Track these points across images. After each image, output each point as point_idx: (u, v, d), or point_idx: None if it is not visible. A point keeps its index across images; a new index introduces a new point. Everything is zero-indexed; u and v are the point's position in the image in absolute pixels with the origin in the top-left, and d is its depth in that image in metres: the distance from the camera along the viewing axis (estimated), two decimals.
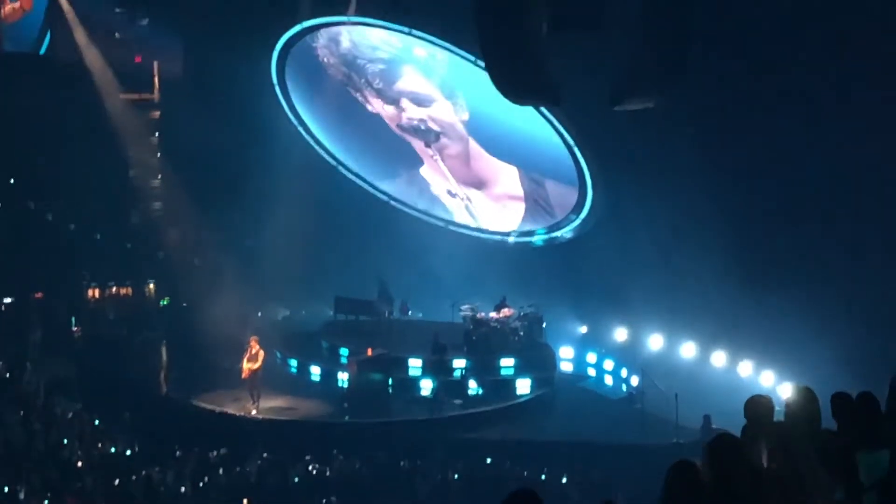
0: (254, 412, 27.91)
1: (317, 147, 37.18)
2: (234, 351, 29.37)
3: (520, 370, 30.54)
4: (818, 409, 8.60)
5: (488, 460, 25.39)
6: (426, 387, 29.44)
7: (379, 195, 37.66)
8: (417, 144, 35.95)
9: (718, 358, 30.11)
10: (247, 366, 27.83)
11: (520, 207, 35.53)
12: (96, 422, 26.33)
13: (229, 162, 33.80)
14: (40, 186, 34.08)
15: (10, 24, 34.09)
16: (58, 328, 32.40)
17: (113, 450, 24.61)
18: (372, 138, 36.54)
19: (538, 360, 31.06)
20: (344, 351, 31.53)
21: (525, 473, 24.10)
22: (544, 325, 32.15)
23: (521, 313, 31.67)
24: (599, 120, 27.85)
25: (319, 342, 33.16)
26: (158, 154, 36.66)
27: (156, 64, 35.58)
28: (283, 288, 35.30)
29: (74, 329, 33.32)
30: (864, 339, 23.86)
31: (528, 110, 30.38)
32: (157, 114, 36.45)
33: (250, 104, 34.68)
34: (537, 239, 35.47)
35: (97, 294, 35.75)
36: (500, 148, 34.35)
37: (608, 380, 32.27)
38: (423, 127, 35.24)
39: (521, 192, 35.22)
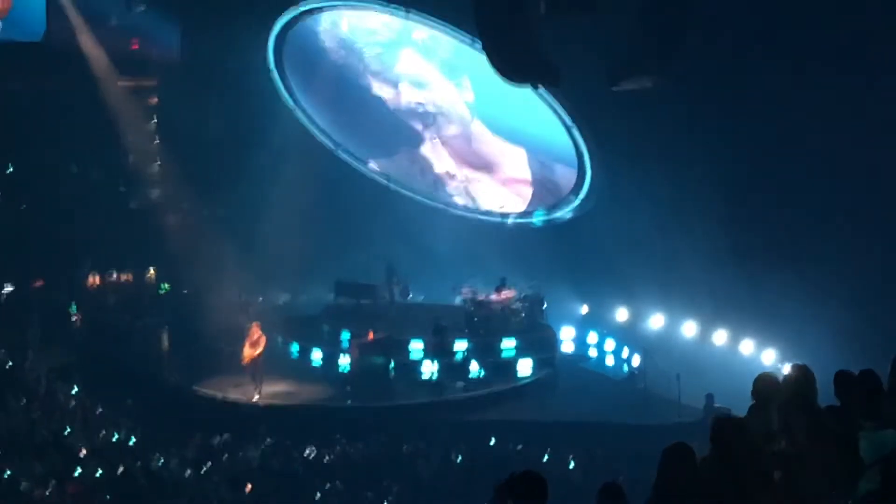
0: (256, 397, 27.91)
1: (315, 130, 37.13)
2: (236, 336, 29.38)
3: (521, 351, 30.52)
4: (815, 387, 8.62)
5: (491, 442, 25.40)
6: (428, 369, 29.43)
7: (378, 178, 37.62)
8: (417, 126, 35.92)
9: (720, 337, 30.10)
10: (248, 351, 27.85)
11: (527, 191, 35.50)
12: (98, 409, 26.34)
13: (227, 147, 33.79)
14: (39, 174, 34.03)
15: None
16: (58, 316, 32.38)
17: (115, 437, 24.63)
18: (372, 120, 36.52)
19: (539, 341, 31.06)
20: (345, 335, 31.50)
21: (527, 454, 24.11)
22: (545, 305, 32.13)
23: (522, 295, 31.66)
24: (598, 100, 27.82)
25: (320, 326, 33.15)
26: (156, 140, 36.62)
27: (153, 50, 35.51)
28: (283, 272, 35.26)
29: (75, 316, 33.28)
30: (866, 317, 23.84)
31: (534, 93, 30.39)
32: (154, 100, 36.41)
33: (248, 89, 34.64)
34: (537, 219, 35.43)
35: (97, 281, 35.74)
36: (508, 130, 34.30)
37: (609, 360, 32.24)
38: (420, 109, 35.23)
39: (528, 176, 35.19)
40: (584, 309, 34.07)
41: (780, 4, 24.19)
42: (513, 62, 21.57)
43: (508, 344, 30.57)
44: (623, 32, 22.05)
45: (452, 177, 36.45)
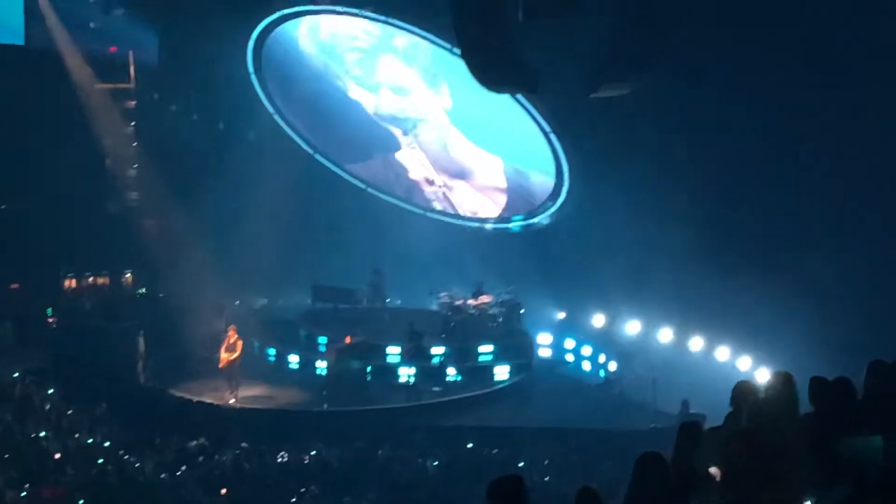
0: (232, 401, 27.91)
1: (293, 134, 37.11)
2: (212, 340, 29.37)
3: (498, 356, 30.60)
4: (796, 394, 8.68)
5: (467, 447, 25.43)
6: (405, 374, 29.48)
7: (356, 182, 37.62)
8: (396, 132, 35.94)
9: (696, 343, 30.19)
10: (225, 355, 27.88)
11: (502, 198, 35.54)
12: (74, 412, 26.28)
13: (205, 151, 33.77)
14: (16, 177, 33.91)
15: None
16: (34, 319, 32.32)
17: (90, 440, 24.58)
18: (351, 125, 36.50)
19: (516, 347, 31.13)
20: (322, 339, 31.53)
21: (504, 459, 24.15)
22: (522, 311, 32.18)
23: (499, 300, 31.72)
24: (575, 106, 27.91)
25: (297, 330, 33.15)
26: (134, 143, 36.55)
27: (131, 53, 35.47)
28: (260, 276, 35.23)
29: (51, 319, 33.24)
30: (841, 325, 23.95)
31: (511, 100, 30.49)
32: (132, 103, 36.34)
33: (226, 93, 34.64)
34: (514, 225, 35.50)
35: (74, 284, 35.68)
36: (484, 137, 34.35)
37: (586, 365, 32.30)
38: (400, 115, 35.26)
39: (504, 184, 35.23)
40: (561, 315, 34.11)
41: (755, 9, 24.29)
42: (491, 69, 21.64)
43: (485, 349, 30.64)
44: (600, 39, 22.12)
45: (431, 182, 36.47)
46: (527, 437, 25.94)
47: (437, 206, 36.98)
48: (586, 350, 32.36)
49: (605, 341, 31.97)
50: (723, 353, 29.45)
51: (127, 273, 36.81)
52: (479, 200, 36.03)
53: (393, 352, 30.29)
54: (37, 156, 33.49)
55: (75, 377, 28.60)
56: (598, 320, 32.66)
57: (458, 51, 27.09)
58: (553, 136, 31.79)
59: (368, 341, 29.83)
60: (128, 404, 27.31)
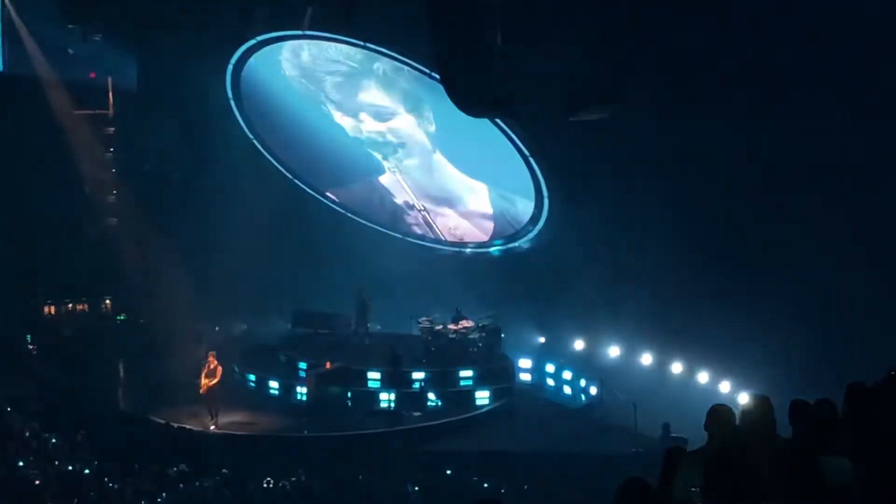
0: (212, 427, 27.86)
1: (272, 160, 37.10)
2: (192, 366, 29.30)
3: (479, 381, 30.62)
4: (773, 416, 8.70)
5: (448, 472, 25.40)
6: (385, 399, 29.47)
7: (336, 208, 37.62)
8: (377, 157, 35.95)
9: (676, 367, 30.23)
10: (205, 381, 27.84)
11: (487, 224, 35.56)
12: (53, 439, 26.15)
13: (184, 176, 33.73)
14: None
15: None
16: (13, 346, 32.19)
17: (70, 467, 24.45)
18: (332, 150, 36.51)
19: (497, 372, 31.17)
20: (302, 364, 31.51)
21: (485, 485, 24.11)
22: (502, 336, 32.21)
23: (480, 325, 31.74)
24: (555, 131, 27.96)
25: (278, 356, 33.09)
26: (113, 169, 36.49)
27: (109, 79, 35.44)
28: (240, 302, 35.19)
29: (30, 346, 33.13)
30: (820, 348, 24.03)
31: (493, 125, 30.58)
32: (111, 129, 36.30)
33: (205, 119, 34.59)
34: (494, 249, 35.53)
35: (53, 311, 35.57)
36: (468, 162, 34.38)
37: (567, 390, 32.34)
38: (381, 139, 35.28)
39: (490, 210, 35.26)
40: (542, 339, 34.12)
41: (736, 31, 24.39)
42: (470, 94, 21.64)
43: (466, 374, 30.64)
44: (578, 63, 22.18)
45: (411, 207, 36.49)
46: (508, 462, 25.93)
47: (418, 230, 36.98)
48: (567, 374, 32.38)
49: (586, 366, 32.00)
50: (703, 377, 29.49)
51: (106, 299, 36.73)
52: (464, 226, 36.01)
53: (373, 377, 30.28)
54: (15, 182, 33.39)
55: (55, 404, 28.49)
56: (579, 345, 32.67)
57: (436, 75, 27.16)
58: (532, 160, 31.82)
59: (349, 367, 29.80)
60: (108, 431, 27.17)
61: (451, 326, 31.64)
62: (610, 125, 24.66)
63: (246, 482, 23.85)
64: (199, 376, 28.14)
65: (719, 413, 8.98)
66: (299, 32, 32.70)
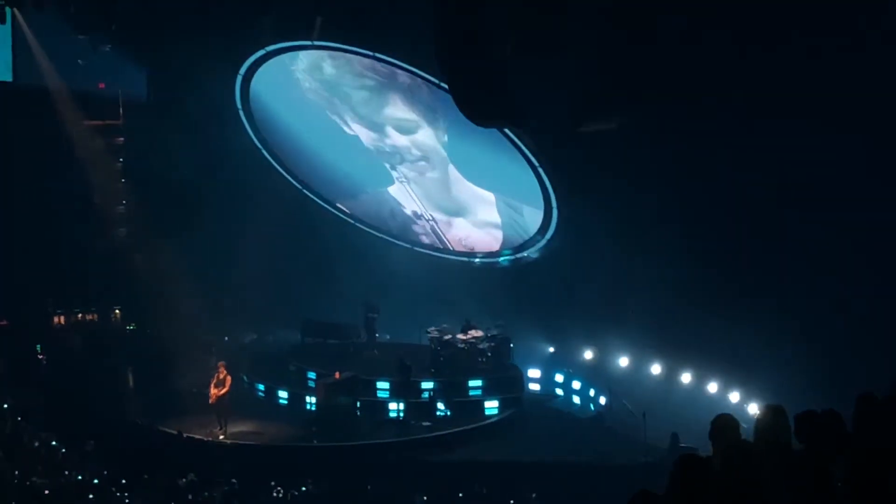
0: (221, 437, 27.86)
1: (281, 170, 37.16)
2: (202, 376, 29.32)
3: (487, 391, 30.61)
4: (789, 427, 8.66)
5: (456, 482, 25.37)
6: (394, 409, 29.47)
7: (345, 218, 37.66)
8: (389, 167, 35.93)
9: (686, 377, 30.20)
10: (214, 391, 27.83)
11: (498, 235, 35.56)
12: (63, 449, 26.19)
13: (194, 186, 33.73)
14: (3, 213, 33.89)
15: None
16: (23, 356, 32.24)
17: (80, 477, 24.49)
18: (341, 160, 36.54)
19: (506, 381, 31.15)
20: (311, 374, 31.51)
21: (493, 495, 24.11)
22: (512, 345, 32.21)
23: (489, 334, 31.74)
24: (564, 140, 27.94)
25: (287, 366, 33.08)
26: (123, 180, 36.57)
27: (120, 90, 35.53)
28: (249, 312, 35.22)
29: (40, 356, 33.17)
30: (829, 358, 23.98)
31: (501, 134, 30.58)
32: (121, 140, 36.38)
33: (215, 128, 34.65)
34: (503, 259, 35.53)
35: (63, 321, 35.62)
36: (478, 174, 34.39)
37: (576, 399, 32.34)
38: (389, 150, 35.28)
39: (498, 220, 35.25)
40: (551, 349, 34.12)
41: (748, 41, 24.36)
42: (478, 104, 21.64)
43: (475, 383, 30.64)
44: (588, 74, 22.16)
45: (420, 217, 36.51)
46: (516, 472, 25.94)
47: (426, 240, 36.99)
48: (576, 384, 32.38)
49: (595, 375, 31.99)
50: (712, 387, 29.47)
51: (116, 309, 36.77)
52: (473, 236, 36.00)
53: (382, 387, 30.28)
54: (25, 192, 33.51)
55: (65, 413, 28.53)
56: (588, 354, 32.66)
57: (445, 85, 27.17)
58: (541, 170, 31.82)
59: (357, 376, 29.78)
60: (117, 440, 27.24)
61: (461, 336, 31.63)
62: (617, 135, 24.64)
63: (255, 492, 23.88)
64: (208, 386, 28.15)
65: (723, 423, 8.96)
66: (308, 42, 32.73)
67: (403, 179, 35.83)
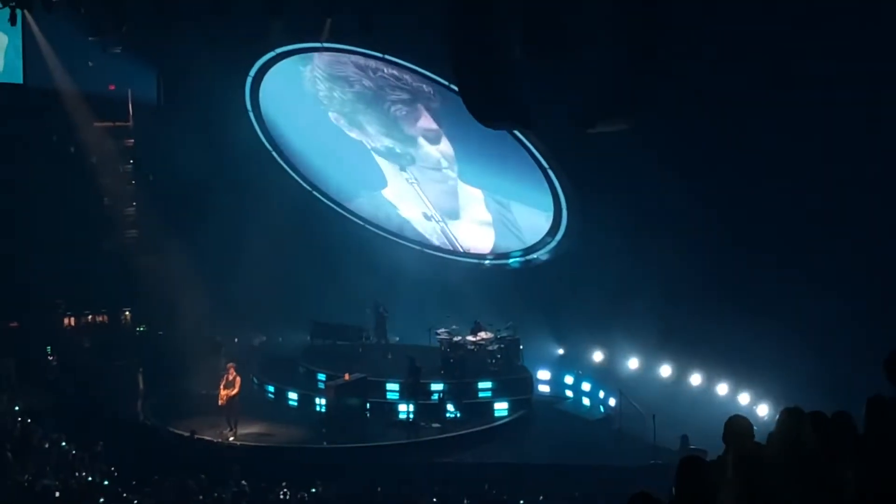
0: (231, 438, 27.88)
1: (290, 171, 37.23)
2: (211, 377, 29.35)
3: (497, 393, 30.60)
4: (808, 429, 8.64)
5: (466, 483, 25.36)
6: (403, 410, 29.48)
7: (353, 219, 37.70)
8: (394, 167, 35.94)
9: (695, 379, 30.16)
10: (224, 392, 27.86)
11: (491, 232, 35.57)
12: (73, 450, 26.22)
13: (203, 188, 33.79)
14: (14, 215, 33.98)
15: None
16: (34, 357, 32.31)
17: (91, 478, 24.50)
18: (349, 161, 36.58)
19: (515, 383, 31.13)
20: (321, 376, 31.52)
21: (503, 496, 24.08)
22: (521, 347, 32.19)
23: (498, 336, 31.72)
24: (573, 141, 27.90)
25: (296, 367, 33.13)
26: (133, 181, 36.66)
27: (129, 92, 35.61)
28: (259, 313, 35.25)
29: (50, 358, 33.24)
30: (839, 360, 23.93)
31: (498, 132, 30.48)
32: (131, 141, 36.47)
33: (225, 130, 34.70)
34: (513, 261, 35.53)
35: (73, 322, 35.72)
36: (488, 176, 34.44)
37: (586, 401, 32.32)
38: (400, 151, 35.26)
39: (490, 216, 35.24)
40: (561, 351, 34.11)
41: (758, 46, 24.31)
42: (488, 106, 21.59)
43: (485, 385, 30.64)
44: (598, 75, 22.11)
45: (430, 218, 36.51)
46: (526, 474, 25.93)
47: (436, 241, 37.00)
48: (586, 386, 32.36)
49: (605, 377, 31.96)
50: (722, 388, 29.43)
51: (126, 311, 36.89)
52: (482, 237, 36.02)
53: (392, 388, 30.30)
54: (35, 194, 33.63)
55: (75, 414, 28.59)
56: (598, 356, 32.65)
57: (455, 87, 27.15)
58: (551, 172, 31.81)
59: (367, 378, 29.79)
60: (127, 442, 27.27)
61: (470, 338, 31.62)
62: (628, 136, 24.61)
63: (264, 493, 23.87)
64: (217, 387, 28.19)
65: (737, 425, 8.95)
66: (318, 45, 32.77)
67: (412, 181, 35.81)
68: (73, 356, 33.47)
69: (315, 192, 37.44)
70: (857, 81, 22.76)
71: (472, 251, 36.39)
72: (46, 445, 26.17)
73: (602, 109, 21.75)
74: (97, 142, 35.06)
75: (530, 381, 31.66)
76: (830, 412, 8.72)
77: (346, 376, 29.34)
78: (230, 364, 28.47)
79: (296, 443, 28.55)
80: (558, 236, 33.36)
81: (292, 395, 31.70)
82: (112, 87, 35.04)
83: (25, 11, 29.53)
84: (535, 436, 29.67)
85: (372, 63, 33.13)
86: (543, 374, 33.02)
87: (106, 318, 36.64)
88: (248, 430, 28.60)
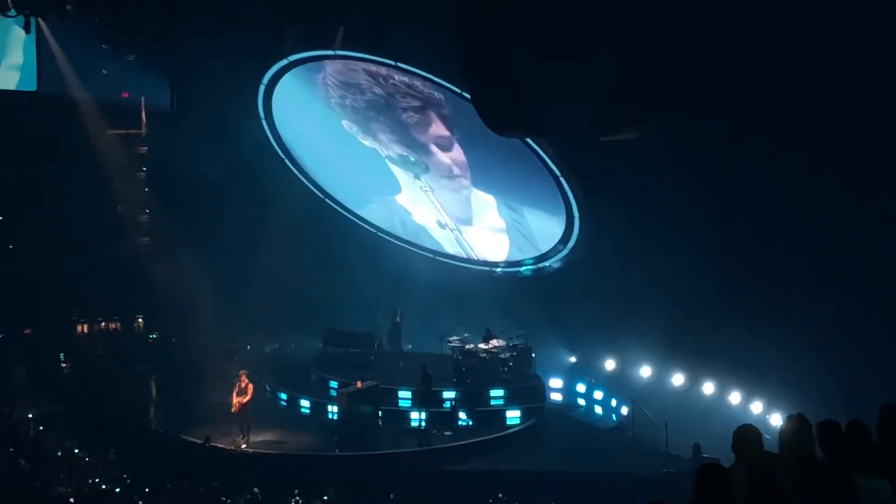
0: (243, 446, 27.91)
1: (303, 179, 37.28)
2: (224, 385, 29.39)
3: (509, 401, 30.57)
4: (813, 437, 8.64)
5: (477, 491, 25.35)
6: (416, 418, 29.49)
7: (365, 226, 37.74)
8: (408, 176, 35.92)
9: (708, 387, 30.12)
10: (236, 399, 27.89)
11: (504, 239, 35.56)
12: (86, 457, 26.27)
13: (217, 195, 33.88)
14: (28, 222, 34.11)
15: None
16: (47, 364, 32.38)
17: (104, 485, 24.55)
18: (362, 169, 36.57)
19: (527, 391, 31.10)
20: (333, 383, 31.54)
21: None
22: (533, 355, 32.18)
23: (511, 344, 31.71)
24: (586, 149, 27.91)
25: (309, 375, 33.15)
26: (146, 189, 36.77)
27: (143, 99, 35.73)
28: (271, 321, 35.29)
29: (63, 364, 33.32)
30: (852, 368, 23.90)
31: (510, 140, 30.51)
32: (144, 149, 36.59)
33: (237, 138, 34.76)
34: (525, 269, 35.52)
35: (86, 329, 35.83)
36: (500, 183, 34.43)
37: (598, 409, 32.29)
38: (413, 159, 35.25)
39: (502, 224, 35.25)
40: (573, 359, 34.09)
41: (767, 56, 24.30)
42: (500, 113, 21.62)
43: (497, 393, 30.62)
44: (610, 82, 22.11)
45: (444, 226, 36.52)
46: (538, 482, 25.89)
47: (449, 249, 37.01)
48: (598, 394, 32.33)
49: (617, 385, 31.94)
50: (735, 397, 29.38)
51: (139, 318, 37.00)
52: (494, 245, 36.01)
53: (404, 396, 30.32)
54: (49, 201, 33.74)
55: (88, 421, 28.64)
56: (610, 364, 32.62)
57: (467, 95, 27.17)
58: (562, 180, 31.82)
59: (379, 385, 29.81)
60: (139, 449, 27.31)
61: (482, 345, 31.61)
62: (639, 144, 24.60)
63: (276, 501, 23.89)
64: (230, 395, 28.23)
65: (746, 434, 8.96)
66: (331, 52, 32.83)
67: (426, 189, 35.82)
68: (86, 363, 33.56)
69: (327, 200, 37.47)
70: (859, 82, 22.75)
71: (485, 259, 36.37)
72: (59, 453, 26.23)
73: (613, 117, 21.76)
74: (111, 149, 35.14)
75: (542, 389, 31.64)
76: (844, 421, 8.71)
77: (359, 384, 29.36)
78: (242, 371, 28.50)
79: (308, 450, 28.54)
80: (570, 244, 33.33)
81: (304, 403, 31.72)
82: (125, 95, 35.18)
83: (40, 19, 29.70)
84: (547, 444, 29.63)
85: (383, 70, 33.12)
86: (555, 383, 33.00)
87: (119, 325, 36.78)
88: (261, 438, 28.63)
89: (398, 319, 34.36)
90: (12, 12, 25.88)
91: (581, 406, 32.79)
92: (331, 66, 34.26)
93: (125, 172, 35.85)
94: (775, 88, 24.26)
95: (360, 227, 37.80)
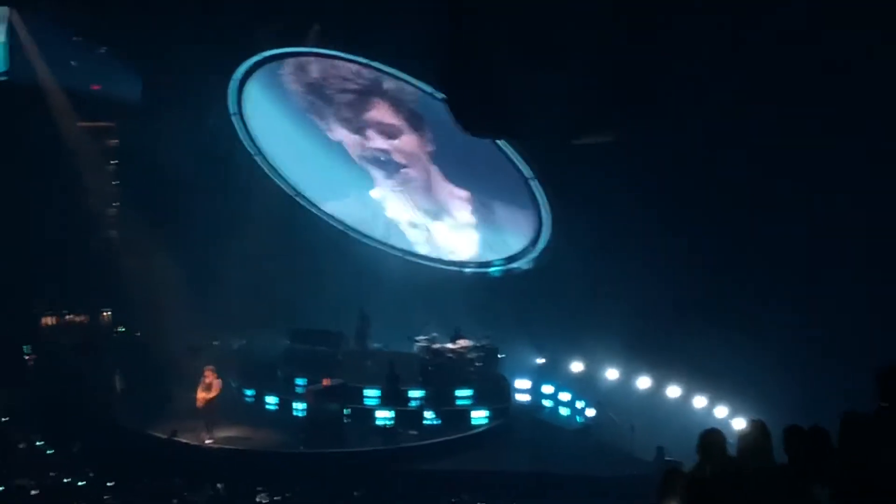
0: (208, 441, 27.82)
1: (272, 176, 37.17)
2: (190, 380, 29.28)
3: (476, 401, 30.55)
4: (771, 443, 8.71)
5: (442, 491, 25.36)
6: (382, 417, 29.48)
7: (335, 224, 37.67)
8: (378, 174, 35.91)
9: (673, 391, 30.22)
10: (201, 395, 27.78)
11: (489, 245, 35.55)
12: (49, 451, 26.17)
13: (187, 189, 33.73)
14: None
15: None
16: (11, 357, 32.20)
17: (66, 479, 24.45)
18: (333, 165, 36.48)
19: (494, 391, 31.09)
20: (300, 381, 31.48)
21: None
22: (500, 356, 32.20)
23: (478, 344, 31.72)
24: (557, 152, 27.97)
25: (275, 372, 33.06)
26: (115, 182, 36.59)
27: (113, 92, 35.53)
28: (239, 317, 35.17)
29: (28, 357, 33.13)
30: (818, 373, 24.01)
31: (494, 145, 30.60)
32: (114, 141, 36.41)
33: (208, 132, 34.66)
34: (494, 269, 35.52)
35: (52, 322, 35.61)
36: (469, 183, 34.45)
37: (564, 411, 32.31)
38: (383, 158, 35.23)
39: (490, 230, 35.25)
40: (540, 360, 34.11)
41: (742, 61, 24.40)
42: (473, 116, 21.68)
43: (463, 393, 30.61)
44: (583, 87, 22.18)
45: (413, 225, 36.51)
46: (503, 482, 25.91)
47: (420, 249, 36.98)
48: (564, 396, 32.36)
49: (584, 387, 31.99)
50: (700, 401, 29.50)
51: (105, 311, 36.79)
52: (463, 245, 36.02)
53: (371, 395, 30.28)
54: (17, 192, 33.49)
55: (52, 415, 28.51)
56: (577, 366, 32.66)
57: (440, 95, 27.19)
58: (534, 182, 31.86)
59: (346, 384, 29.78)
60: (103, 443, 27.20)
61: (450, 346, 31.62)
62: (611, 147, 24.68)
63: (240, 497, 23.85)
64: (195, 390, 28.12)
65: (710, 438, 9.01)
66: (305, 49, 32.77)
67: (396, 189, 35.79)
68: (50, 356, 33.38)
69: (297, 198, 37.38)
70: (826, 97, 22.91)
71: (456, 257, 36.35)
72: (22, 445, 26.13)
73: (588, 120, 21.85)
74: (80, 141, 34.96)
75: (508, 390, 31.65)
76: (807, 426, 8.76)
77: (326, 382, 29.31)
78: (208, 367, 28.38)
79: (273, 447, 28.48)
80: (540, 246, 33.38)
81: (271, 400, 31.64)
82: (96, 87, 34.97)
83: (11, 8, 29.55)
84: (512, 445, 29.60)
85: (354, 68, 33.11)
86: (522, 383, 32.99)
87: (85, 318, 36.57)
88: (226, 434, 28.54)
89: (366, 318, 34.30)
90: None
91: (546, 407, 32.81)
92: (303, 63, 34.20)
93: (94, 165, 35.64)
94: (748, 102, 24.39)
95: (331, 225, 37.71)
